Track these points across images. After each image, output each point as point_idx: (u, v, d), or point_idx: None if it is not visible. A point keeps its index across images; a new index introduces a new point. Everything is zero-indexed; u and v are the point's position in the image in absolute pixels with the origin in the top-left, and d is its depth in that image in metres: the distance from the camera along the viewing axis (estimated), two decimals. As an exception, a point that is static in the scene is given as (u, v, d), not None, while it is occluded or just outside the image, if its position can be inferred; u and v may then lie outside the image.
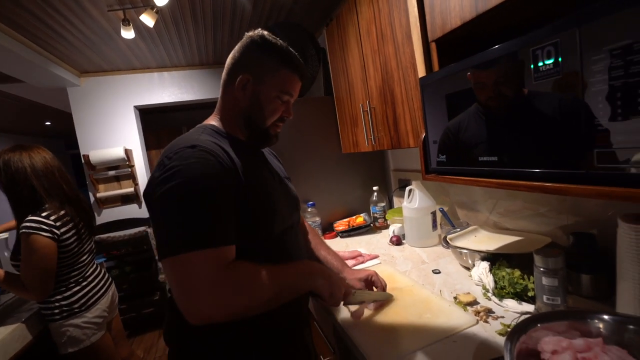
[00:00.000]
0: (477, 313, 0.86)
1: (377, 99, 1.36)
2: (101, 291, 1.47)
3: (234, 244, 0.65)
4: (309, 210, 1.76)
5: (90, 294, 1.41)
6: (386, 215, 1.74)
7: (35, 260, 1.22)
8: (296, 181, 1.76)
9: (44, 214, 1.26)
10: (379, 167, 2.01)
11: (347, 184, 1.94)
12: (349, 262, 1.33)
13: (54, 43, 2.17)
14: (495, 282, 0.94)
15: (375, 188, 1.77)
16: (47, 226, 1.24)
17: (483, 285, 0.97)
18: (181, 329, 0.73)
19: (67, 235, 1.32)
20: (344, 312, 0.98)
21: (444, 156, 0.93)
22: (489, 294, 0.93)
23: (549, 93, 0.60)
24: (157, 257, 0.66)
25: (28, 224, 1.22)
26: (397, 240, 1.52)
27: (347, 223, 1.78)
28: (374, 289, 0.99)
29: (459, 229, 1.30)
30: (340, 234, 1.76)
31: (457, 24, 0.86)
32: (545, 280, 0.79)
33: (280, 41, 0.78)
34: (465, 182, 0.86)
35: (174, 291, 0.60)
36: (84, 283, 1.41)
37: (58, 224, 1.28)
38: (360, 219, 1.78)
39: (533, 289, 0.84)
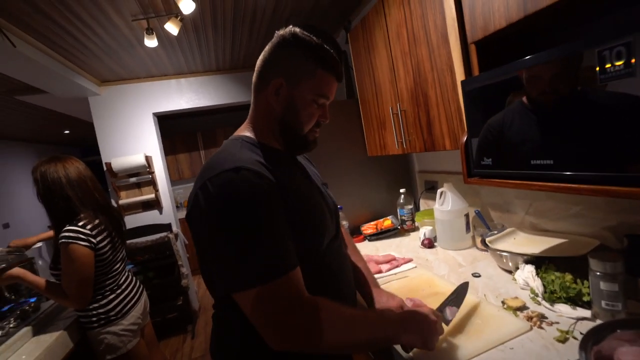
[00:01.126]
0: (529, 318, 0.84)
1: (408, 101, 1.35)
2: (135, 298, 1.49)
3: (297, 264, 0.63)
4: (336, 213, 1.75)
5: (125, 301, 1.43)
6: (415, 218, 1.72)
7: (74, 269, 1.24)
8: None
9: (80, 224, 1.28)
10: (404, 169, 2.00)
11: (372, 187, 1.93)
12: (384, 266, 1.32)
13: (77, 53, 2.21)
14: (544, 286, 0.92)
15: (402, 191, 1.75)
16: (84, 235, 1.27)
17: (531, 289, 0.95)
18: (244, 345, 0.70)
19: (103, 243, 1.34)
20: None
21: (489, 159, 0.91)
22: (539, 299, 0.91)
23: (616, 93, 0.58)
24: (224, 289, 0.64)
25: (66, 234, 1.24)
26: (429, 243, 1.51)
27: (375, 226, 1.77)
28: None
29: (495, 232, 1.28)
30: (368, 238, 1.75)
31: (502, 25, 0.85)
32: (603, 285, 0.77)
33: (315, 38, 0.71)
34: (516, 185, 0.85)
35: (254, 322, 0.59)
36: (119, 291, 1.43)
37: (94, 232, 1.30)
38: (388, 222, 1.77)
39: (588, 294, 0.82)
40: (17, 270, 1.32)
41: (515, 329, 0.81)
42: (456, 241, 1.43)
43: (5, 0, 1.53)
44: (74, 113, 3.64)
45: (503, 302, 0.93)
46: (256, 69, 0.76)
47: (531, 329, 0.81)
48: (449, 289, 1.08)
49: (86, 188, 1.37)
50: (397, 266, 1.34)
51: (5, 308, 1.47)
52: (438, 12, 1.09)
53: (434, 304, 0.97)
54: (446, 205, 1.43)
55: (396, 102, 1.44)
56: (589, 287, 0.82)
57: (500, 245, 1.17)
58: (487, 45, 0.97)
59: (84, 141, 5.67)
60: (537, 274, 0.96)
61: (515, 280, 1.03)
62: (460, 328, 0.85)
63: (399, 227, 1.76)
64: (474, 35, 0.95)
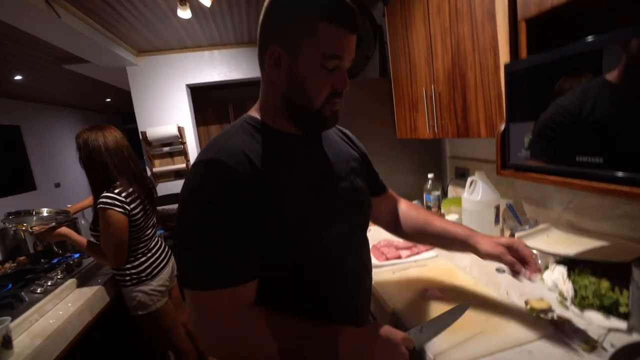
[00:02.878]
0: (553, 322, 0.80)
1: (444, 83, 1.26)
2: (163, 262, 1.59)
3: (253, 278, 0.58)
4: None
5: (155, 264, 1.53)
6: (442, 205, 1.67)
7: (111, 232, 1.34)
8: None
9: (116, 191, 1.36)
10: (434, 153, 1.92)
11: (399, 169, 1.87)
12: (404, 252, 1.30)
13: (116, 23, 2.26)
14: (575, 290, 0.86)
15: (430, 175, 1.69)
16: (119, 202, 1.35)
17: (560, 292, 0.90)
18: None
19: (136, 210, 1.42)
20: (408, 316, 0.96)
21: (528, 151, 0.84)
22: (567, 303, 0.86)
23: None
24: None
25: (104, 200, 1.33)
26: (454, 233, 1.45)
27: (399, 211, 1.73)
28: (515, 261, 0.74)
29: (527, 227, 1.21)
30: (391, 222, 1.72)
31: (562, 0, 0.74)
32: (645, 298, 0.71)
33: None
34: (554, 182, 0.78)
35: (191, 319, 0.60)
36: (149, 254, 1.53)
37: (128, 200, 1.38)
38: (412, 208, 1.72)
39: (627, 305, 0.75)
40: (64, 229, 1.44)
41: (536, 331, 0.77)
42: (483, 232, 1.36)
43: (49, -31, 1.58)
44: (114, 82, 3.80)
45: (526, 303, 0.89)
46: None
47: (555, 333, 0.77)
48: (470, 282, 1.05)
49: (122, 157, 1.44)
50: (417, 253, 1.32)
51: (55, 260, 1.64)
52: (486, -17, 0.98)
53: (452, 296, 0.96)
54: (476, 194, 1.36)
55: (431, 83, 1.35)
56: (628, 297, 0.75)
57: (530, 242, 1.10)
58: (539, 24, 0.86)
59: (124, 109, 5.95)
60: (569, 276, 0.90)
61: (543, 280, 0.98)
62: (476, 324, 0.83)
63: (423, 213, 1.71)
64: (526, 11, 0.85)
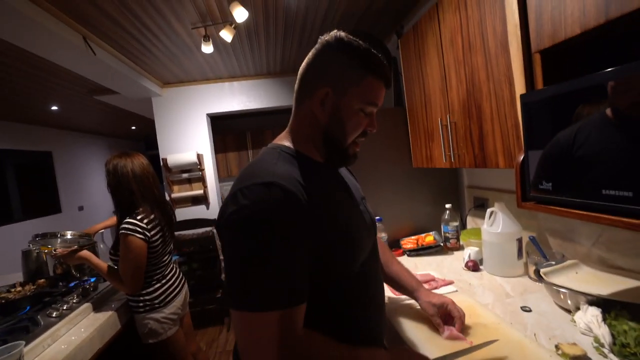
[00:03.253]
0: (590, 372, 0.73)
1: (459, 113, 1.26)
2: (177, 290, 1.58)
3: (305, 301, 0.59)
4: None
5: (168, 291, 1.53)
6: (460, 237, 1.61)
7: (130, 258, 1.35)
8: (363, 194, 1.71)
9: (138, 217, 1.39)
10: (451, 182, 1.88)
11: (416, 199, 1.84)
12: (421, 287, 1.25)
13: (143, 57, 2.43)
14: (613, 336, 0.79)
15: (448, 206, 1.64)
16: (140, 229, 1.37)
17: (595, 337, 0.82)
18: None
19: (156, 237, 1.44)
20: None
21: (550, 183, 0.81)
22: (605, 350, 0.78)
23: None
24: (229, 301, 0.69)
25: (126, 226, 1.36)
26: (474, 266, 1.39)
27: (416, 241, 1.68)
28: (453, 319, 0.88)
29: (553, 262, 1.14)
30: (407, 253, 1.67)
31: (576, 32, 0.75)
32: (692, 347, 0.64)
33: (361, 42, 0.65)
34: (579, 216, 0.74)
35: (238, 342, 0.58)
36: (164, 281, 1.52)
37: (149, 226, 1.41)
38: (430, 238, 1.67)
39: (673, 354, 0.68)
40: (85, 253, 1.47)
41: (571, 381, 0.70)
42: (505, 267, 1.30)
43: (89, 13, 1.73)
44: (140, 111, 4.01)
45: (557, 347, 0.82)
46: (298, 76, 0.72)
47: (591, 385, 0.70)
48: (493, 320, 0.98)
49: (148, 184, 1.49)
50: (435, 288, 1.25)
51: (72, 284, 1.66)
52: (498, 17, 1.00)
53: (474, 336, 0.89)
54: (496, 226, 1.30)
55: (446, 113, 1.35)
56: (672, 345, 0.68)
57: (558, 279, 1.04)
58: (553, 55, 0.86)
59: (147, 136, 6.24)
60: (605, 319, 0.83)
61: (575, 322, 0.90)
62: (502, 370, 0.76)
63: (441, 244, 1.65)
64: (539, 44, 0.85)
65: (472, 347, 0.80)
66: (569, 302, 0.97)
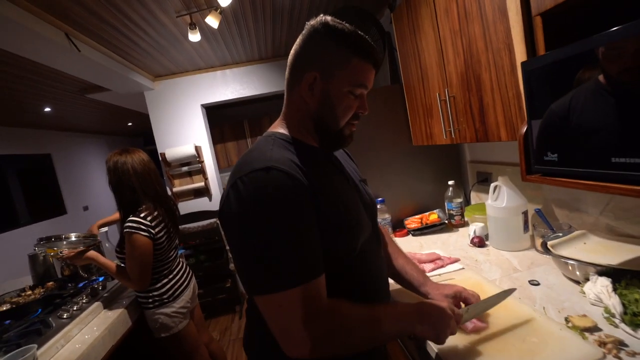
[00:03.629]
0: (601, 344, 0.71)
1: (458, 86, 1.21)
2: (185, 283, 1.60)
3: (324, 271, 0.61)
4: (377, 207, 1.68)
5: (176, 286, 1.54)
6: (465, 213, 1.59)
7: (136, 255, 1.36)
8: (363, 176, 1.69)
9: (142, 215, 1.38)
10: (453, 158, 1.84)
11: (418, 177, 1.81)
12: (427, 266, 1.24)
13: (131, 51, 2.36)
14: (624, 305, 0.77)
15: (450, 182, 1.62)
16: (144, 226, 1.37)
17: (605, 307, 0.81)
18: (263, 345, 0.72)
19: (160, 234, 1.43)
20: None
21: (555, 154, 0.78)
22: (616, 320, 0.77)
23: None
24: (246, 290, 0.68)
25: (130, 224, 1.35)
26: (480, 242, 1.38)
27: (420, 220, 1.67)
28: (462, 305, 0.86)
29: (560, 233, 1.12)
30: (412, 232, 1.66)
31: (580, -10, 0.69)
32: None
33: (347, 25, 0.67)
34: (588, 187, 0.71)
35: (270, 327, 0.59)
36: (170, 276, 1.53)
37: (153, 223, 1.40)
38: (434, 216, 1.65)
39: (686, 321, 0.67)
40: (92, 253, 1.48)
41: (582, 354, 0.69)
42: (511, 241, 1.29)
43: (69, 9, 1.67)
44: (134, 107, 3.96)
45: (567, 320, 0.81)
46: (288, 64, 0.72)
47: (604, 357, 0.68)
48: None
49: (149, 180, 1.47)
50: (441, 266, 1.25)
51: (81, 284, 1.68)
52: (495, -20, 0.94)
53: (486, 317, 0.89)
54: (501, 201, 1.28)
55: (444, 87, 1.30)
56: (685, 312, 0.67)
57: (566, 251, 1.02)
58: (555, 18, 0.81)
59: (145, 131, 6.19)
60: (615, 289, 0.82)
61: (584, 293, 0.89)
62: (512, 345, 0.75)
63: (446, 221, 1.64)
64: (540, 5, 0.80)
65: (492, 299, 0.82)
66: (578, 273, 0.95)
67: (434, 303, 0.72)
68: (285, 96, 0.75)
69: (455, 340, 0.80)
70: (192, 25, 1.96)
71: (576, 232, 1.09)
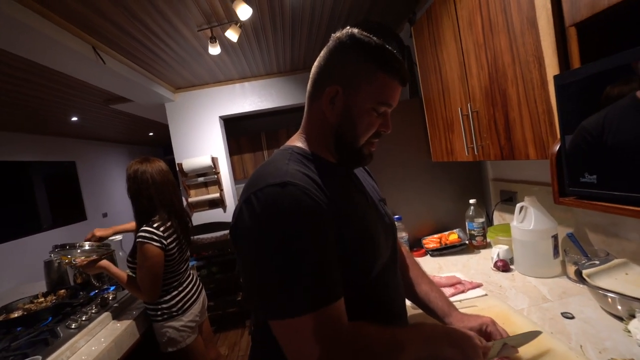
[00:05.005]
0: (653, 394, 0.62)
1: (482, 101, 1.15)
2: (194, 297, 1.56)
3: (343, 294, 0.56)
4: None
5: (186, 299, 1.51)
6: (487, 234, 1.50)
7: (147, 266, 1.34)
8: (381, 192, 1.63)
9: (155, 225, 1.37)
10: (475, 176, 1.76)
11: (437, 195, 1.74)
12: (447, 291, 1.16)
13: (154, 64, 2.43)
14: (677, 349, 0.68)
15: (472, 201, 1.54)
16: (157, 237, 1.36)
17: (654, 350, 0.71)
18: None
19: (172, 245, 1.42)
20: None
21: (594, 176, 0.71)
22: (668, 366, 0.68)
23: None
24: (260, 314, 0.64)
25: (142, 234, 1.34)
26: (504, 266, 1.28)
27: (439, 240, 1.59)
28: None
29: (596, 261, 1.02)
30: (430, 253, 1.57)
31: (621, -2, 0.63)
32: None
33: (375, 39, 0.63)
34: (633, 213, 0.63)
35: (289, 354, 0.55)
36: (180, 289, 1.51)
37: (166, 234, 1.39)
38: (454, 236, 1.57)
39: None
40: (104, 262, 1.47)
41: (629, 405, 0.60)
42: (540, 267, 1.19)
43: (98, 24, 1.73)
44: (155, 117, 4.07)
45: (610, 362, 0.72)
46: (311, 75, 0.69)
47: (655, 409, 0.60)
48: (531, 329, 0.88)
49: (167, 191, 1.47)
50: (462, 291, 1.16)
51: (92, 293, 1.68)
52: (523, -10, 0.89)
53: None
54: (527, 223, 1.19)
55: (466, 102, 1.24)
56: None
57: (604, 282, 0.92)
58: (591, 29, 0.75)
59: (165, 141, 6.36)
60: (664, 329, 0.72)
61: (629, 332, 0.79)
62: (546, 391, 0.67)
63: (466, 242, 1.55)
64: (575, 15, 0.75)
65: (518, 338, 0.76)
66: (620, 308, 0.85)
67: (462, 330, 0.68)
68: (305, 109, 0.72)
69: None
70: (213, 39, 2.00)
71: (616, 261, 0.99)
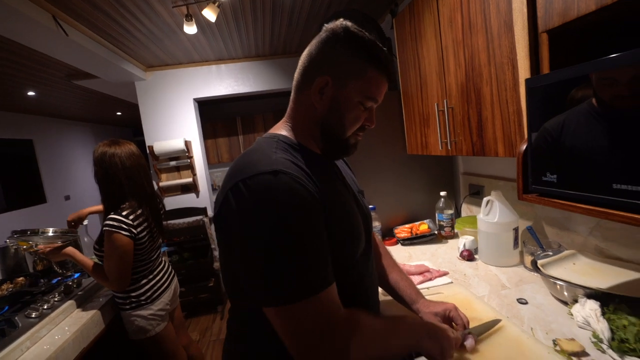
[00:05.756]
0: (590, 370, 0.70)
1: (458, 98, 1.19)
2: (165, 285, 1.53)
3: (334, 280, 0.58)
4: (367, 214, 1.66)
5: (155, 287, 1.47)
6: (455, 225, 1.57)
7: (115, 256, 1.29)
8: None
9: (124, 213, 1.31)
10: (446, 169, 1.84)
11: (410, 186, 1.80)
12: (415, 279, 1.22)
13: (124, 40, 2.28)
14: (612, 331, 0.76)
15: (442, 193, 1.61)
16: (126, 225, 1.30)
17: (593, 332, 0.80)
18: None
19: (142, 234, 1.37)
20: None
21: (554, 175, 0.76)
22: (604, 346, 0.76)
23: None
24: (254, 302, 0.62)
25: (110, 222, 1.28)
26: (469, 256, 1.36)
27: (410, 230, 1.65)
28: (453, 325, 0.84)
29: (550, 252, 1.11)
30: (401, 242, 1.64)
31: (591, 9, 0.68)
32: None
33: (368, 34, 0.64)
34: (588, 212, 0.70)
35: (286, 342, 0.55)
36: (150, 276, 1.47)
37: (135, 223, 1.33)
38: (424, 226, 1.64)
39: (676, 353, 0.66)
40: (70, 249, 1.40)
41: (571, 381, 0.68)
42: (501, 257, 1.28)
43: (57, -12, 1.59)
44: (124, 96, 3.84)
45: (555, 343, 0.80)
46: (300, 64, 0.69)
47: (592, 384, 0.67)
48: (489, 314, 0.95)
49: (138, 177, 1.40)
50: (430, 279, 1.23)
51: (55, 280, 1.60)
52: (502, -7, 0.92)
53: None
54: (492, 216, 1.27)
55: (443, 97, 1.28)
56: (676, 343, 0.66)
57: (555, 271, 1.01)
58: (561, 35, 0.80)
59: (134, 122, 6.03)
60: (603, 313, 0.81)
61: (572, 315, 0.88)
62: (500, 369, 0.74)
63: (436, 232, 1.62)
64: (548, 22, 0.79)
65: (481, 327, 0.84)
66: (566, 294, 0.94)
67: (437, 324, 0.74)
68: (292, 97, 0.72)
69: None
70: (189, 17, 1.90)
71: (566, 252, 1.09)
